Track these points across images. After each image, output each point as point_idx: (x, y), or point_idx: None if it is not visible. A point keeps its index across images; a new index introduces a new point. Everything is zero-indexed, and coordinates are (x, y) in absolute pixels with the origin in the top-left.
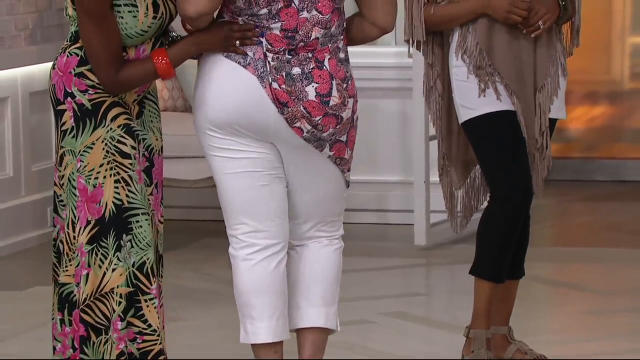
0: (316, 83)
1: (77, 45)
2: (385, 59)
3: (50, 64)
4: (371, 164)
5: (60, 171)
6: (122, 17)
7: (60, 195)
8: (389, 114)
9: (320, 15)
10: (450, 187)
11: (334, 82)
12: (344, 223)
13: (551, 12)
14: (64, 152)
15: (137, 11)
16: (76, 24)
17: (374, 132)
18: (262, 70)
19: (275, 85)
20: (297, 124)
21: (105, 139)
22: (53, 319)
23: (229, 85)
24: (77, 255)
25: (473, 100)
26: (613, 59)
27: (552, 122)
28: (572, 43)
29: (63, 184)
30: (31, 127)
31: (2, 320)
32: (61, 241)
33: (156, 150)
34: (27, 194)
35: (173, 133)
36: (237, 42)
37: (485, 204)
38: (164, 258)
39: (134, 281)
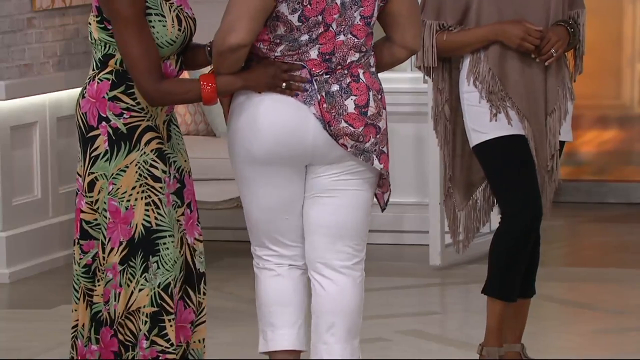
0: (355, 95)
1: (107, 70)
2: (402, 85)
3: (77, 90)
4: None
5: (90, 197)
6: (153, 27)
7: (95, 220)
8: (405, 138)
9: (356, 39)
10: (454, 209)
11: (370, 93)
12: None
13: (562, 39)
14: (94, 177)
15: (166, 21)
16: (101, 50)
17: (390, 155)
18: (309, 90)
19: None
20: (341, 141)
21: (138, 162)
22: (87, 344)
23: (272, 111)
24: (105, 275)
25: (484, 124)
26: (623, 84)
27: (561, 144)
28: (575, 69)
29: (98, 207)
30: (58, 150)
31: (31, 337)
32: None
33: (186, 171)
34: (55, 216)
35: (196, 156)
36: (284, 84)
37: (487, 225)
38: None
39: (158, 301)
